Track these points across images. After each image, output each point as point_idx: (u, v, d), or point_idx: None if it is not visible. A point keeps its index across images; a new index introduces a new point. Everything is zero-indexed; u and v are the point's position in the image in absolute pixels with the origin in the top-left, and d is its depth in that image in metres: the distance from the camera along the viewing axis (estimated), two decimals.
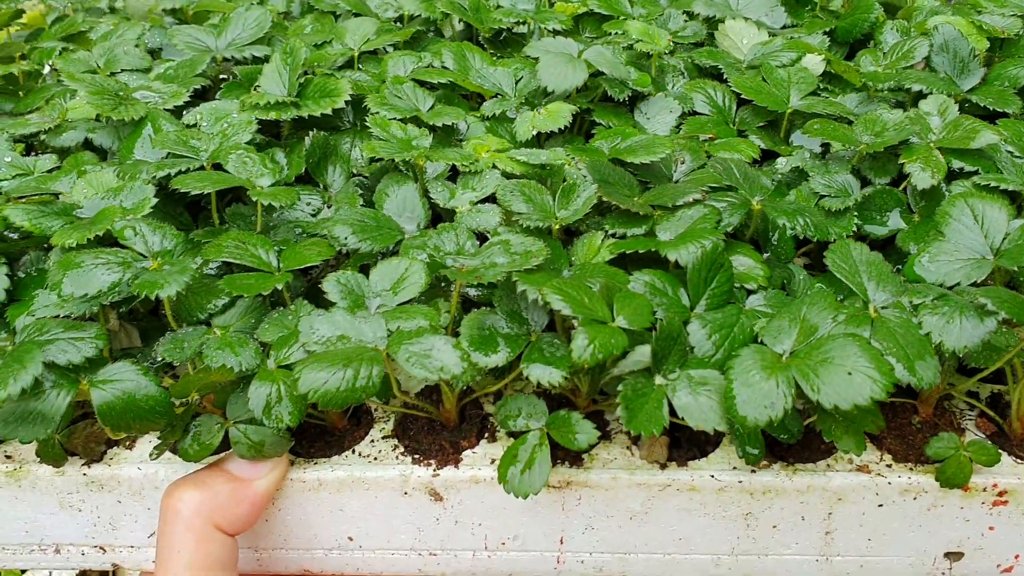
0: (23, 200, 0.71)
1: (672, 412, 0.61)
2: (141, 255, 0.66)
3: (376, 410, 0.74)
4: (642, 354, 0.63)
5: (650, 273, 0.69)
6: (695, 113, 0.91)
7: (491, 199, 0.75)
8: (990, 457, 0.66)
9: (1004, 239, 0.68)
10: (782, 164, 0.84)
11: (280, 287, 0.66)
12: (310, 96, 0.84)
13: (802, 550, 0.72)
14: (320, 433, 0.73)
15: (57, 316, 0.65)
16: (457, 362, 0.61)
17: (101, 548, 0.74)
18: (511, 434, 0.69)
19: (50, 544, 0.74)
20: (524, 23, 1.05)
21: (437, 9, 1.03)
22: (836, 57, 0.96)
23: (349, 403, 0.59)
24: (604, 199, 0.74)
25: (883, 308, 0.65)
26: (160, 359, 0.64)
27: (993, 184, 0.73)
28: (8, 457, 0.71)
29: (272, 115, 0.81)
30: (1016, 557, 0.72)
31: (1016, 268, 0.66)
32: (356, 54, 0.96)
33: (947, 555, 0.72)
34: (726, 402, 0.60)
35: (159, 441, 0.66)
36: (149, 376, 0.62)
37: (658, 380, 0.63)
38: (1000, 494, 0.68)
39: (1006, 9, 0.97)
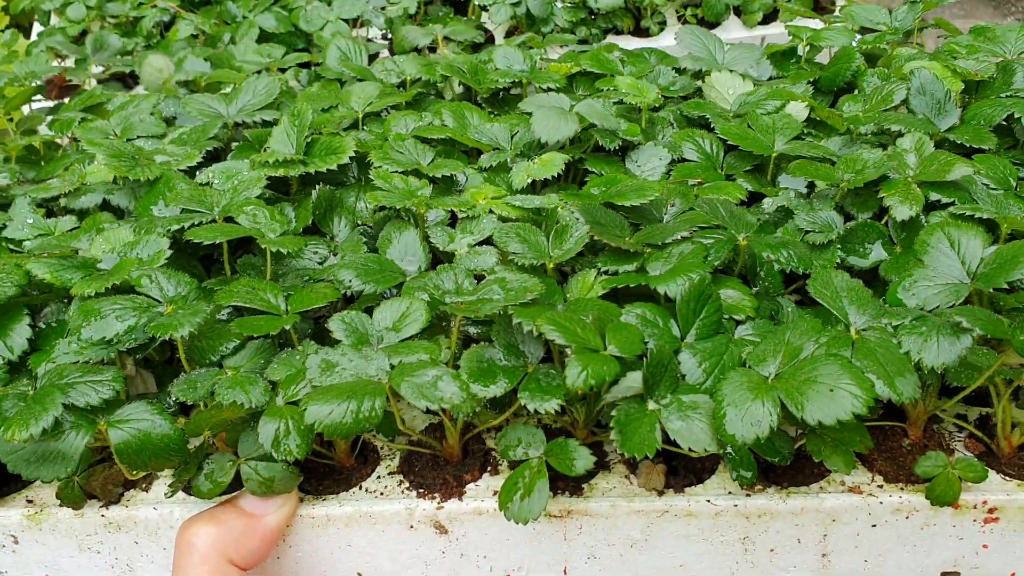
0: (45, 255, 0.75)
1: (666, 439, 0.64)
2: (156, 301, 0.70)
3: (382, 448, 0.77)
4: (633, 380, 0.66)
5: (641, 306, 0.72)
6: (684, 160, 0.95)
7: (488, 242, 0.79)
8: (977, 474, 0.68)
9: (980, 264, 0.71)
10: (768, 204, 0.87)
11: (288, 328, 0.70)
12: (316, 154, 0.89)
13: (800, 574, 0.73)
14: (328, 472, 0.76)
15: (76, 362, 0.68)
16: (457, 392, 0.64)
17: None
18: (511, 464, 0.71)
19: None
20: (520, 83, 1.10)
21: (437, 72, 1.08)
22: (819, 104, 1.00)
23: (353, 434, 0.62)
24: (596, 238, 0.78)
25: (863, 330, 0.67)
26: (174, 400, 0.68)
27: (968, 213, 0.76)
28: (30, 502, 0.74)
29: (281, 172, 0.86)
30: (1012, 575, 0.73)
31: (991, 290, 0.69)
32: (360, 116, 1.01)
33: (944, 575, 0.73)
34: (716, 423, 0.63)
35: (174, 479, 0.69)
36: (164, 416, 0.66)
37: (650, 405, 0.66)
38: (991, 511, 0.70)
39: (979, 55, 1.01)
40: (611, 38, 1.31)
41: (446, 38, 1.20)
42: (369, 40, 1.28)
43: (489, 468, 0.74)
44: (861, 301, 0.70)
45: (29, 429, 0.60)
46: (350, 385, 0.64)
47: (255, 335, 0.70)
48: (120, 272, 0.72)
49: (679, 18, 1.31)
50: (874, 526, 0.71)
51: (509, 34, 1.30)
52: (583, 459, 0.67)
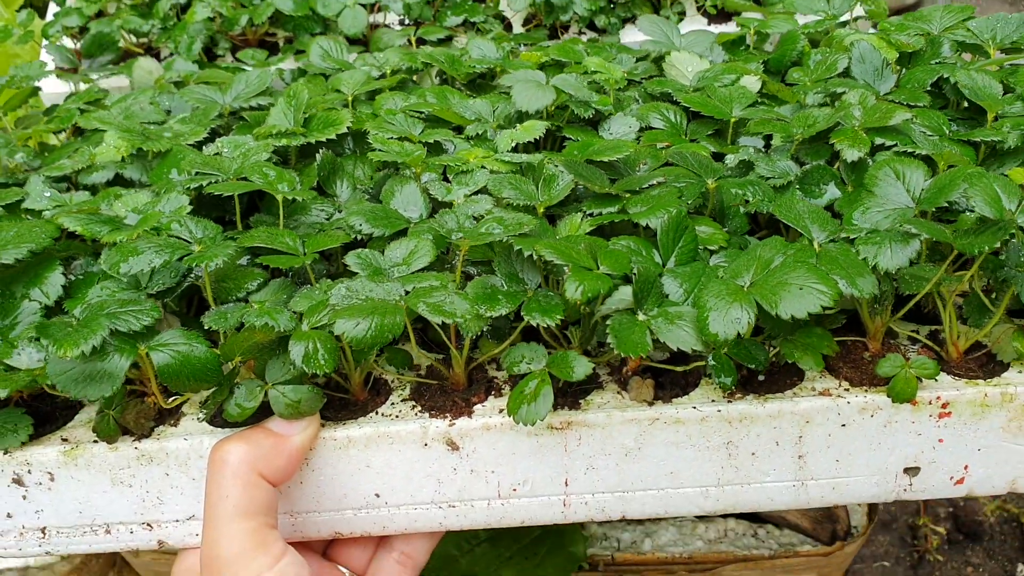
0: (74, 211, 0.81)
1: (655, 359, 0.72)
2: (187, 242, 0.76)
3: (392, 381, 0.83)
4: (624, 294, 0.73)
5: (626, 239, 0.80)
6: (651, 128, 1.04)
7: (482, 192, 0.87)
8: (930, 371, 0.76)
9: (922, 192, 0.81)
10: (731, 160, 0.96)
11: (307, 264, 0.76)
12: (315, 127, 0.96)
13: (780, 476, 0.81)
14: (344, 404, 0.82)
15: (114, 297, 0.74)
16: (468, 308, 0.71)
17: (148, 525, 0.81)
18: (515, 378, 0.78)
19: (101, 525, 0.81)
20: (494, 71, 1.18)
21: (418, 60, 1.16)
22: (770, 79, 1.10)
23: (377, 344, 0.68)
24: (580, 186, 0.86)
25: (825, 244, 0.76)
26: (206, 329, 0.73)
27: (910, 150, 0.86)
28: (64, 440, 0.79)
29: (283, 141, 0.93)
30: (966, 468, 0.81)
31: (934, 208, 0.78)
32: (350, 99, 1.08)
33: (906, 471, 0.81)
34: (700, 325, 0.71)
35: (208, 402, 0.74)
36: (200, 340, 0.72)
37: (640, 316, 0.74)
38: (944, 406, 0.78)
39: (909, 31, 1.12)
40: (628, 27, 1.38)
41: (447, 38, 1.27)
42: (387, 27, 1.34)
43: (493, 392, 0.81)
44: (822, 221, 0.79)
45: (80, 347, 0.66)
46: (372, 304, 0.71)
47: (279, 270, 0.76)
48: (147, 222, 0.78)
49: (698, 8, 1.39)
50: (843, 426, 0.79)
51: (527, 22, 1.37)
52: (582, 366, 0.74)
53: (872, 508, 1.19)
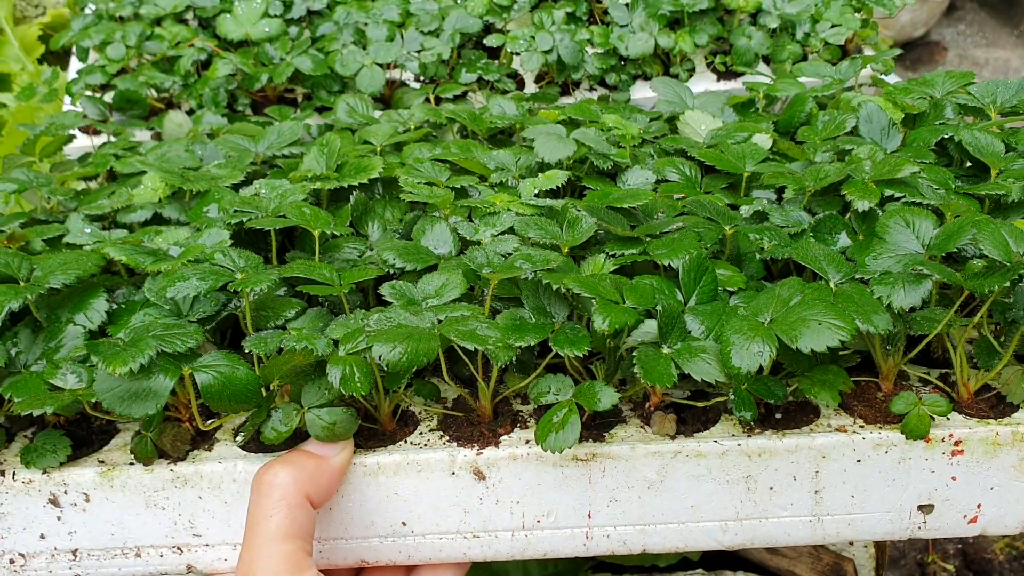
0: (120, 242, 0.85)
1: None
2: (230, 270, 0.79)
3: (420, 413, 0.86)
4: (650, 327, 0.77)
5: (649, 277, 0.83)
6: (667, 180, 1.08)
7: (508, 232, 0.90)
8: (942, 408, 0.79)
9: (931, 239, 0.85)
10: (745, 211, 1.00)
11: (343, 295, 0.80)
12: (347, 172, 1.00)
13: (797, 511, 0.83)
14: (373, 434, 0.84)
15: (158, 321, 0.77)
16: (500, 336, 0.74)
17: (178, 548, 0.82)
18: (541, 408, 0.81)
19: (132, 548, 0.82)
20: (514, 127, 1.23)
21: (442, 116, 1.21)
22: (780, 138, 1.15)
23: (413, 366, 0.71)
24: (603, 229, 0.90)
25: (840, 283, 0.80)
26: (247, 351, 0.76)
27: (919, 201, 0.90)
28: (101, 462, 0.81)
29: (317, 185, 0.97)
30: (979, 506, 0.83)
31: (942, 255, 0.82)
32: (379, 150, 1.13)
33: (920, 508, 0.83)
34: (723, 359, 0.74)
35: (247, 424, 0.77)
36: (241, 363, 0.74)
37: (665, 349, 0.77)
38: (956, 443, 0.81)
39: (914, 95, 1.17)
40: (638, 83, 1.43)
41: (462, 94, 1.33)
42: (404, 84, 1.39)
43: (519, 424, 0.83)
44: (838, 263, 0.82)
45: (128, 364, 0.68)
46: (407, 330, 0.74)
47: (315, 300, 0.80)
48: (190, 253, 0.81)
49: (708, 65, 1.45)
50: (858, 461, 0.81)
51: (539, 79, 1.42)
52: (608, 396, 0.76)
53: (880, 560, 1.21)
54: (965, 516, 0.84)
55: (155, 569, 0.84)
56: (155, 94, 1.38)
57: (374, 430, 0.84)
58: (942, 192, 0.95)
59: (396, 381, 0.80)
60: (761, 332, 0.74)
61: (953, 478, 0.82)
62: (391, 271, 0.85)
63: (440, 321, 0.76)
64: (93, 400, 0.73)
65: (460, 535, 0.83)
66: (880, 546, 1.11)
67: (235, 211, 0.90)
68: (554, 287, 0.78)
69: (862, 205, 0.91)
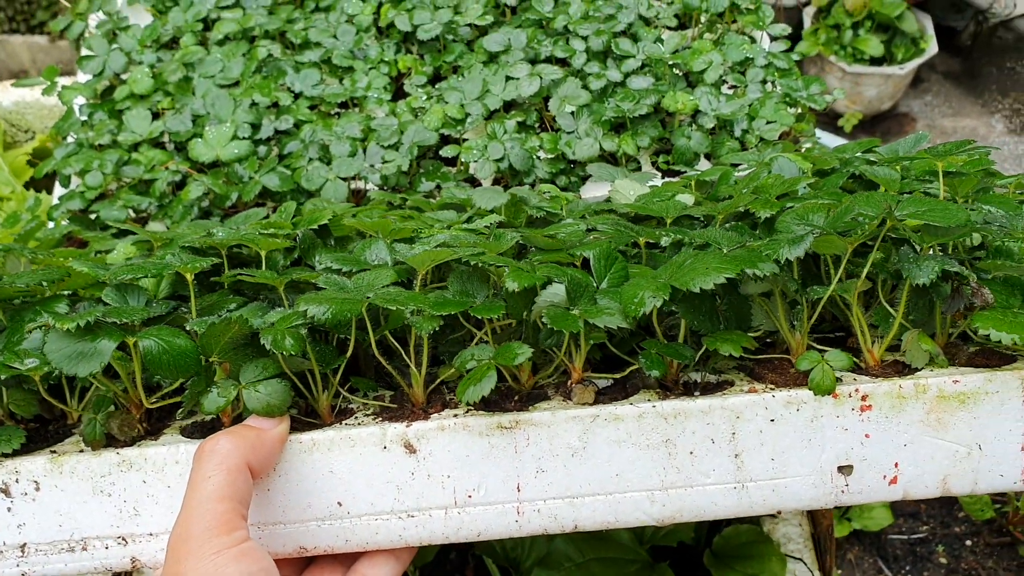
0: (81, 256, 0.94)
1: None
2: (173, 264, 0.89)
3: (358, 407, 0.92)
4: (558, 289, 0.85)
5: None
6: (597, 229, 1.18)
7: (441, 247, 1.00)
8: (844, 362, 0.86)
9: (823, 224, 0.94)
10: (665, 241, 1.10)
11: (281, 291, 0.88)
12: (301, 222, 1.11)
13: (720, 478, 0.87)
14: (312, 427, 0.90)
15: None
16: (418, 299, 0.82)
17: (123, 539, 0.86)
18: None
19: (78, 540, 0.86)
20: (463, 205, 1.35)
21: (396, 198, 1.34)
22: (702, 196, 1.26)
23: (339, 321, 0.79)
24: (527, 243, 0.99)
25: (733, 249, 0.88)
26: (189, 329, 0.84)
27: (814, 200, 1.00)
28: (53, 452, 0.86)
29: (271, 230, 1.07)
30: (896, 465, 0.87)
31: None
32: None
33: (840, 470, 0.87)
34: (623, 306, 0.81)
35: (187, 397, 0.83)
36: (182, 334, 0.82)
37: (573, 311, 0.84)
38: (863, 398, 0.86)
39: (828, 156, 1.30)
40: (589, 183, 1.56)
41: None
42: (367, 193, 1.52)
43: (450, 405, 0.89)
44: (731, 240, 0.91)
45: (75, 322, 0.77)
46: (336, 296, 0.82)
47: (256, 298, 0.88)
48: (140, 250, 0.91)
49: (653, 164, 1.59)
50: (772, 421, 0.86)
51: (495, 183, 1.55)
52: (524, 352, 0.83)
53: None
54: (884, 476, 0.88)
55: (100, 564, 0.87)
56: (133, 214, 1.51)
57: (314, 424, 0.90)
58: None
59: (329, 361, 0.87)
60: (656, 283, 0.82)
61: (867, 435, 0.87)
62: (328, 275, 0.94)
63: (368, 297, 0.85)
64: (46, 372, 0.80)
65: (395, 515, 0.87)
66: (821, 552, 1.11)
67: (188, 245, 1.01)
68: (476, 271, 0.87)
69: (764, 214, 1.01)
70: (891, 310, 0.90)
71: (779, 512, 0.89)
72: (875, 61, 3.49)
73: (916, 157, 1.08)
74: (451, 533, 0.88)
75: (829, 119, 3.68)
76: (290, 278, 0.90)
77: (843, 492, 0.88)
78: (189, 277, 0.88)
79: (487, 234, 1.03)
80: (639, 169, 1.58)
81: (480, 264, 0.87)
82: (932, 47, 3.48)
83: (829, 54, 3.47)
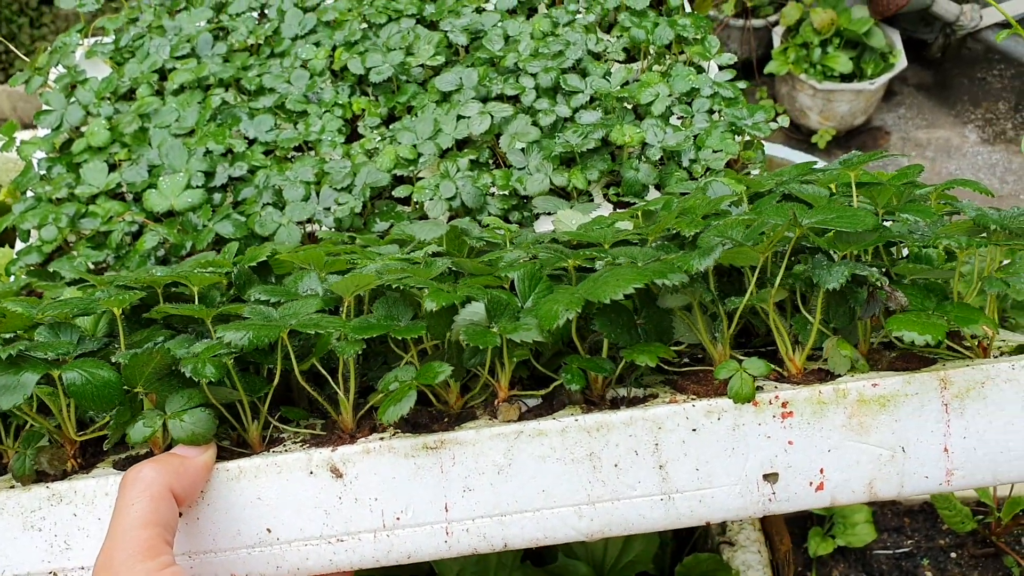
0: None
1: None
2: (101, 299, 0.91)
3: (288, 436, 0.94)
4: (478, 308, 0.87)
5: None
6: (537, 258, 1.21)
7: None
8: (762, 369, 0.87)
9: (742, 236, 0.96)
10: (599, 265, 1.12)
11: (208, 323, 0.91)
12: (241, 260, 1.14)
13: (647, 490, 0.88)
14: (241, 457, 0.91)
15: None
16: (340, 324, 0.85)
17: (54, 574, 0.87)
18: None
19: None
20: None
21: (344, 236, 1.36)
22: (641, 223, 1.29)
23: (256, 344, 0.81)
24: (457, 268, 1.02)
25: (646, 263, 0.91)
26: (114, 361, 0.86)
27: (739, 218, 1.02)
28: None
29: (211, 268, 1.10)
30: (822, 471, 0.89)
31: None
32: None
33: (766, 478, 0.89)
34: (540, 320, 0.84)
35: (112, 429, 0.85)
36: (106, 366, 0.84)
37: (493, 328, 0.86)
38: (783, 405, 0.88)
39: (764, 179, 1.33)
40: (543, 219, 1.58)
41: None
42: (320, 238, 1.54)
43: (379, 430, 0.91)
44: (647, 256, 0.94)
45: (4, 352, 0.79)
46: (255, 323, 0.84)
47: (189, 319, 0.91)
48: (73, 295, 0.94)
49: (604, 197, 1.62)
50: (694, 430, 0.88)
51: (450, 221, 1.57)
52: (444, 371, 0.85)
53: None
54: (811, 483, 0.89)
55: None
56: (93, 267, 1.53)
57: (246, 454, 0.92)
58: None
59: (256, 390, 0.89)
60: (572, 297, 0.84)
61: (790, 442, 0.88)
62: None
63: (291, 324, 0.87)
64: None
65: (324, 540, 0.88)
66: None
67: (122, 284, 1.03)
68: (403, 296, 0.89)
69: (689, 233, 1.04)
70: (809, 317, 0.92)
71: (708, 523, 0.90)
72: (845, 77, 3.57)
73: (830, 169, 1.11)
74: (381, 556, 0.89)
75: (803, 136, 3.74)
76: (218, 311, 0.92)
77: (770, 500, 0.89)
78: (117, 312, 0.91)
79: (420, 262, 1.05)
80: (591, 202, 1.61)
81: (403, 287, 0.89)
82: (901, 61, 3.56)
83: (799, 72, 3.54)
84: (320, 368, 0.92)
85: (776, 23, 3.75)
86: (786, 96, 3.74)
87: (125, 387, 0.85)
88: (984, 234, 0.90)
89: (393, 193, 1.57)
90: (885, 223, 1.05)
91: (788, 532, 1.83)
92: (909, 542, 1.90)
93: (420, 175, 1.62)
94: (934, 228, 0.98)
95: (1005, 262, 0.96)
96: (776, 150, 2.75)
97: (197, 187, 1.54)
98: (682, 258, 0.89)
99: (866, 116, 3.72)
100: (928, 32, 3.94)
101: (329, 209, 1.54)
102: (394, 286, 0.92)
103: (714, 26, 3.76)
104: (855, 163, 1.07)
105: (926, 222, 0.99)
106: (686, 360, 1.00)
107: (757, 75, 3.80)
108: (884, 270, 0.93)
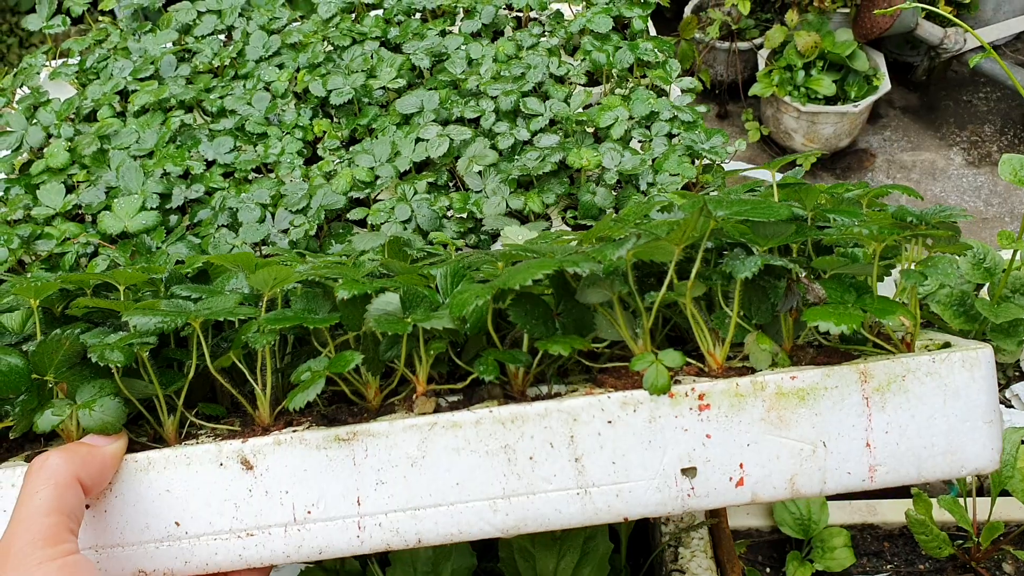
0: None
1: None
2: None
3: (206, 432, 0.94)
4: (391, 298, 0.89)
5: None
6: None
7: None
8: (677, 360, 0.88)
9: None
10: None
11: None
12: (184, 266, 1.16)
13: (562, 483, 0.89)
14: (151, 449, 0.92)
15: None
16: (252, 312, 0.86)
17: None
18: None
19: None
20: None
21: (293, 253, 1.39)
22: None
23: (163, 330, 0.83)
24: (385, 271, 1.04)
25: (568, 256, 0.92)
26: (27, 351, 0.88)
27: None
28: None
29: (146, 276, 1.12)
30: (741, 466, 0.89)
31: None
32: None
33: (684, 472, 0.89)
34: (451, 309, 0.85)
35: (19, 417, 0.86)
36: (15, 353, 0.86)
37: (407, 319, 0.88)
38: (700, 397, 0.88)
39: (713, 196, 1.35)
40: (500, 241, 1.59)
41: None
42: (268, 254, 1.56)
43: (294, 424, 0.92)
44: (567, 251, 0.95)
45: None
46: (166, 310, 0.86)
47: (110, 314, 0.92)
48: None
49: (562, 220, 1.63)
50: (610, 423, 0.88)
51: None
52: (355, 359, 0.86)
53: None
54: (731, 479, 0.89)
55: None
56: None
57: (159, 448, 0.93)
58: None
59: (170, 383, 0.90)
60: (483, 285, 0.86)
61: (708, 436, 0.89)
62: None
63: (204, 312, 0.89)
64: None
65: (234, 534, 0.88)
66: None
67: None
68: (322, 291, 0.91)
69: (620, 236, 1.05)
70: (728, 311, 0.93)
71: (626, 519, 0.90)
72: (829, 100, 3.63)
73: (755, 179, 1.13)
74: (292, 552, 0.89)
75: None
76: (137, 305, 0.94)
77: (689, 496, 0.90)
78: (33, 303, 0.92)
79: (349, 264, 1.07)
80: (550, 226, 1.63)
81: (323, 280, 0.91)
82: (885, 84, 3.62)
83: (783, 95, 3.60)
84: (240, 364, 0.93)
85: (761, 45, 3.83)
86: (771, 118, 3.80)
87: (34, 375, 0.86)
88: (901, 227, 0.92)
89: (349, 216, 1.60)
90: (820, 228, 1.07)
91: (768, 555, 1.81)
92: (888, 567, 1.88)
93: (379, 197, 1.64)
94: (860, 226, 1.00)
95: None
96: (761, 173, 2.79)
97: (152, 209, 1.57)
98: (597, 250, 0.90)
99: (851, 138, 3.78)
100: (914, 55, 4.01)
101: (285, 231, 1.57)
102: (315, 280, 0.93)
103: (700, 48, 3.83)
104: (772, 166, 1.10)
105: (855, 221, 1.00)
106: (601, 350, 1.00)
107: (743, 97, 3.86)
108: (804, 265, 0.94)
